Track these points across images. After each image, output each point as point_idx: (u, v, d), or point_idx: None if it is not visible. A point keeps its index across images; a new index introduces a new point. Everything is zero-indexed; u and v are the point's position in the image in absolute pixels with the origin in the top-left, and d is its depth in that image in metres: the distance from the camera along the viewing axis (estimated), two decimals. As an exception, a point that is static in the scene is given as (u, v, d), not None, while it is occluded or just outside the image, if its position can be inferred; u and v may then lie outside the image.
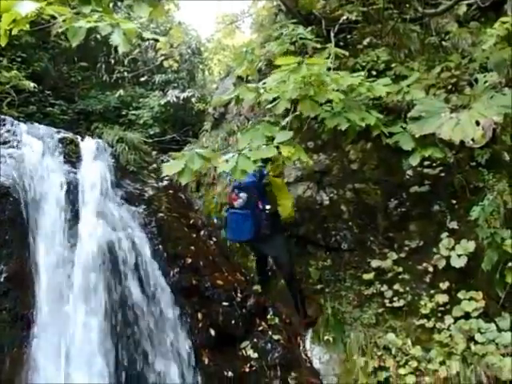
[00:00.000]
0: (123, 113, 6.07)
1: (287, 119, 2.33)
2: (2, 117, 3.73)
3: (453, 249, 3.02)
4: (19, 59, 5.26)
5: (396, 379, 2.82)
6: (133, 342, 2.84)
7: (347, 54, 3.22)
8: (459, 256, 2.97)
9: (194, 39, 6.93)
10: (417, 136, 2.35)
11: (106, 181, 3.63)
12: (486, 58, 2.84)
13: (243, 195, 3.10)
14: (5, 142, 3.41)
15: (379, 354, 2.94)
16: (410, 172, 3.34)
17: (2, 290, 2.58)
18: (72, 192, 3.31)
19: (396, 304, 3.13)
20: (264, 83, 2.46)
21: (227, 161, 2.09)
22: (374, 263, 3.31)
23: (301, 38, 3.52)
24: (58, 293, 2.78)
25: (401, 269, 3.23)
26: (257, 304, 3.38)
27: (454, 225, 3.14)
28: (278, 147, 2.10)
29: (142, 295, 3.04)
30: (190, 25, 7.28)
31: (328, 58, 2.81)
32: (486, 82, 2.58)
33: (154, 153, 5.10)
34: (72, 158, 3.73)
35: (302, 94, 2.24)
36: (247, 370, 3.02)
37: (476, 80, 2.83)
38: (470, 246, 2.96)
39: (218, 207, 4.13)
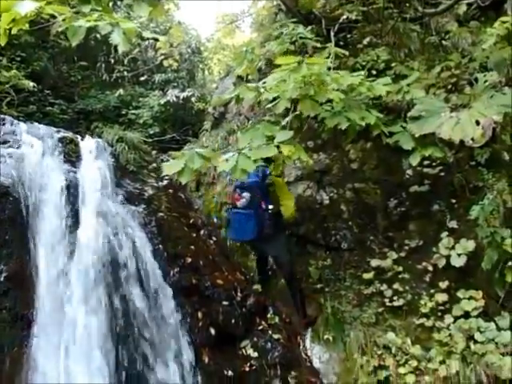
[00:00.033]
0: (123, 112, 6.07)
1: (287, 119, 2.33)
2: (2, 116, 3.73)
3: (452, 248, 3.02)
4: (19, 58, 5.26)
5: (396, 378, 2.83)
6: (133, 342, 2.84)
7: (347, 53, 3.21)
8: (459, 255, 2.97)
9: (193, 38, 6.93)
10: (417, 135, 2.35)
11: (105, 180, 3.63)
12: (486, 58, 2.84)
13: (246, 195, 3.11)
14: (4, 142, 3.41)
15: (379, 353, 2.95)
16: (409, 171, 3.34)
17: (1, 289, 2.58)
18: (72, 191, 3.30)
19: (396, 303, 3.13)
20: (264, 83, 2.46)
21: (227, 160, 2.09)
22: (374, 262, 3.31)
23: (301, 38, 3.52)
24: (57, 292, 2.78)
25: (401, 268, 3.23)
26: (257, 303, 3.38)
27: (453, 224, 3.14)
28: (278, 146, 2.10)
29: (142, 295, 3.04)
30: (189, 24, 7.31)
31: (328, 57, 2.81)
32: (485, 81, 2.58)
33: (154, 152, 5.10)
34: (72, 157, 3.72)
35: (302, 93, 2.24)
36: (247, 369, 3.02)
37: (476, 79, 2.83)
38: (470, 245, 2.96)
39: (217, 207, 4.13)
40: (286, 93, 2.28)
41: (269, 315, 3.36)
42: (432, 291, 3.06)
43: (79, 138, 4.03)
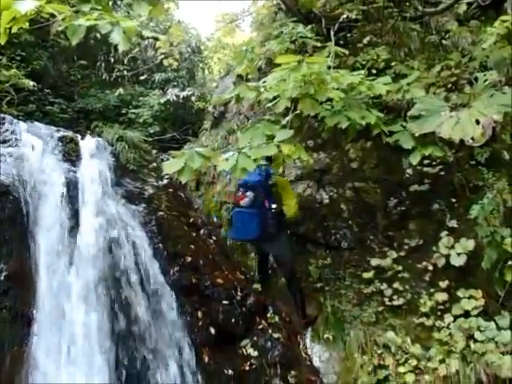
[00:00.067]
0: (123, 111, 6.07)
1: (288, 118, 2.33)
2: (2, 115, 3.73)
3: (452, 247, 3.02)
4: (18, 58, 5.26)
5: (395, 377, 2.83)
6: (133, 341, 2.84)
7: (347, 52, 3.21)
8: (459, 254, 2.97)
9: (193, 38, 6.93)
10: (417, 135, 2.35)
11: (105, 179, 3.63)
12: (486, 57, 2.84)
13: (250, 194, 3.11)
14: (4, 141, 3.41)
15: (379, 352, 2.95)
16: (409, 171, 3.34)
17: (2, 288, 2.58)
18: (72, 190, 3.30)
19: (396, 302, 3.14)
20: (264, 82, 2.46)
21: (227, 159, 2.09)
22: (374, 262, 3.31)
23: (301, 37, 3.52)
24: (57, 291, 2.78)
25: (400, 267, 3.23)
26: (257, 302, 3.39)
27: (453, 223, 3.14)
28: (278, 146, 2.10)
29: (142, 293, 3.04)
30: (189, 23, 7.31)
31: (328, 56, 2.81)
32: (485, 80, 2.58)
33: (154, 151, 5.10)
34: (72, 156, 3.73)
35: (303, 92, 2.24)
36: (247, 368, 3.02)
37: (476, 79, 2.83)
38: (470, 244, 2.96)
39: (217, 206, 4.13)
40: (286, 92, 2.28)
41: (269, 314, 3.36)
42: (432, 290, 3.06)
43: (79, 137, 4.03)
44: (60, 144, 3.73)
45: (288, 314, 3.42)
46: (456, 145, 2.87)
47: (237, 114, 4.67)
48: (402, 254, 3.28)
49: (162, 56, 5.69)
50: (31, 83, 4.88)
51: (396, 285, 3.19)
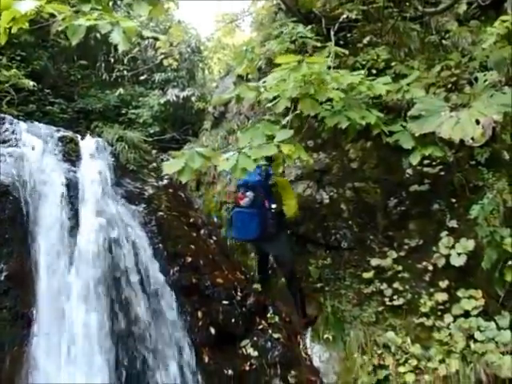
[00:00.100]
0: (123, 111, 6.06)
1: (288, 118, 2.33)
2: (2, 115, 3.73)
3: (452, 247, 3.02)
4: (19, 58, 5.26)
5: (395, 377, 2.83)
6: (133, 341, 2.85)
7: (347, 52, 3.21)
8: (459, 254, 2.97)
9: (193, 38, 6.92)
10: (417, 135, 2.35)
11: (105, 179, 3.63)
12: (486, 57, 2.84)
13: (250, 194, 3.12)
14: (4, 141, 3.41)
15: (379, 352, 2.95)
16: (409, 171, 3.34)
17: (2, 288, 2.58)
18: (72, 191, 3.30)
19: (396, 302, 3.14)
20: (264, 82, 2.46)
21: (227, 159, 2.09)
22: (374, 262, 3.31)
23: (301, 37, 3.52)
24: (58, 291, 2.78)
25: (400, 267, 3.23)
26: (257, 303, 3.39)
27: (453, 223, 3.14)
28: (278, 146, 2.10)
29: (142, 294, 3.04)
30: (189, 23, 7.28)
31: (328, 56, 2.81)
32: (485, 80, 2.58)
33: (154, 152, 5.10)
34: (72, 156, 3.73)
35: (303, 92, 2.24)
36: (247, 368, 3.02)
37: (476, 79, 2.83)
38: (470, 244, 2.96)
39: (217, 206, 4.13)
40: (286, 92, 2.28)
41: (269, 314, 3.36)
42: (432, 290, 3.06)
43: (79, 137, 4.03)
44: (60, 144, 3.73)
45: (288, 314, 3.42)
46: (456, 145, 2.87)
47: (237, 114, 4.67)
48: (402, 254, 3.28)
49: (162, 56, 5.70)
50: (31, 83, 4.88)
51: (396, 285, 3.19)
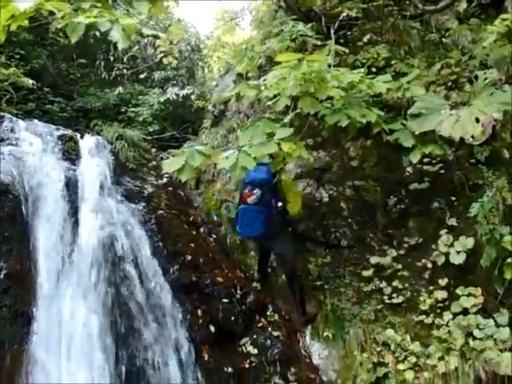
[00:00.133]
0: (122, 110, 6.05)
1: (288, 117, 2.33)
2: (1, 114, 3.73)
3: (452, 245, 3.03)
4: (18, 56, 5.24)
5: (395, 375, 2.84)
6: (132, 339, 2.85)
7: (347, 50, 3.21)
8: (458, 252, 2.98)
9: (193, 36, 6.91)
10: (417, 133, 2.36)
11: (105, 178, 3.63)
12: (486, 55, 2.84)
13: (257, 192, 3.12)
14: (4, 139, 3.41)
15: (378, 349, 2.96)
16: (409, 169, 3.34)
17: (2, 287, 2.59)
18: (71, 189, 3.30)
19: (395, 300, 3.14)
20: (264, 80, 2.46)
21: (227, 158, 2.09)
22: (374, 260, 3.32)
23: (301, 35, 3.51)
24: (57, 289, 2.78)
25: (400, 265, 3.24)
26: (256, 301, 3.40)
27: (453, 221, 3.15)
28: (278, 144, 2.10)
29: (142, 292, 3.05)
30: (189, 22, 7.27)
31: (328, 54, 2.81)
32: (485, 78, 2.58)
33: (154, 150, 5.09)
34: (71, 155, 3.73)
35: (303, 90, 2.24)
36: (247, 365, 3.03)
37: (476, 77, 2.83)
38: (469, 242, 2.97)
39: (217, 204, 4.13)
40: (286, 90, 2.28)
41: (268, 312, 3.37)
42: (431, 288, 3.07)
43: (78, 135, 4.03)
44: (59, 142, 3.73)
45: (288, 312, 3.43)
46: (456, 143, 2.87)
47: (237, 113, 4.66)
48: (402, 252, 3.29)
49: (162, 54, 5.69)
50: (30, 82, 4.87)
51: (395, 283, 3.20)
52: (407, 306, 3.11)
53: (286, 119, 2.38)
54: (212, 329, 3.10)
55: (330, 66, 2.48)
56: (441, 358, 2.77)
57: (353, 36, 3.89)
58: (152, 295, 3.08)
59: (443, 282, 3.02)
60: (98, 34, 5.45)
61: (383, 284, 3.23)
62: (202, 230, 3.98)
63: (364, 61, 3.53)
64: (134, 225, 3.42)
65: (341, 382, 3.00)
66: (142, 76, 6.52)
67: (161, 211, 3.78)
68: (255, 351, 3.09)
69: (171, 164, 2.05)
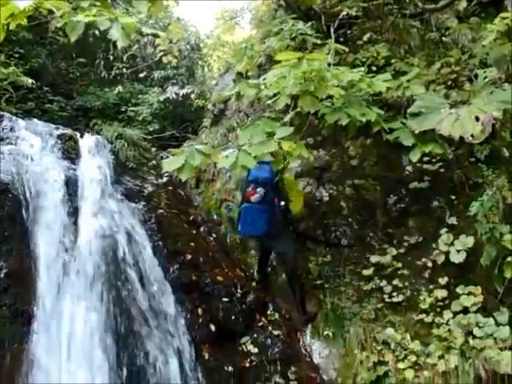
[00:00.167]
0: (122, 109, 6.04)
1: (289, 116, 2.33)
2: (1, 113, 3.72)
3: (452, 244, 3.03)
4: (17, 55, 5.23)
5: (395, 373, 2.84)
6: (133, 338, 2.85)
7: (347, 49, 3.21)
8: (458, 251, 2.98)
9: (193, 35, 6.89)
10: (416, 132, 2.36)
11: (105, 177, 3.63)
12: (486, 54, 2.84)
13: (260, 190, 3.12)
14: (3, 139, 3.41)
15: (378, 348, 2.96)
16: (409, 168, 3.34)
17: (2, 286, 2.59)
18: (71, 188, 3.30)
19: (395, 299, 3.15)
20: (264, 79, 2.46)
21: (227, 157, 2.09)
22: (374, 259, 3.32)
23: (301, 34, 3.51)
24: (57, 289, 2.78)
25: (400, 264, 3.24)
26: (257, 300, 3.40)
27: (453, 220, 3.15)
28: (278, 143, 2.09)
29: (142, 291, 3.05)
30: (188, 21, 7.25)
31: (328, 53, 2.80)
32: (485, 77, 2.58)
33: (154, 149, 5.09)
34: (71, 154, 3.72)
35: (303, 89, 2.24)
36: (247, 364, 3.03)
37: (476, 76, 2.83)
38: (469, 241, 2.97)
39: (217, 203, 4.13)
40: (286, 89, 2.28)
41: (269, 311, 3.37)
42: (431, 287, 3.07)
43: (78, 134, 4.02)
44: (59, 142, 3.73)
45: (288, 311, 3.43)
46: (456, 142, 2.87)
47: (236, 112, 4.65)
48: (402, 250, 3.29)
49: (162, 53, 5.68)
50: (30, 81, 4.86)
51: (395, 282, 3.20)
52: (407, 304, 3.11)
53: (287, 118, 2.37)
54: (212, 328, 3.10)
55: (329, 64, 2.48)
56: (441, 357, 2.77)
57: (353, 35, 3.88)
58: (153, 295, 3.08)
59: (443, 280, 3.03)
60: (97, 32, 5.44)
61: (383, 283, 3.23)
62: (202, 229, 3.98)
63: (364, 59, 3.53)
64: (134, 224, 3.42)
65: (341, 381, 3.00)
66: (141, 75, 6.51)
67: (161, 210, 3.78)
68: (255, 350, 3.09)
69: (171, 163, 2.05)
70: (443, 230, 3.12)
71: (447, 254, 3.03)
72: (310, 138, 3.69)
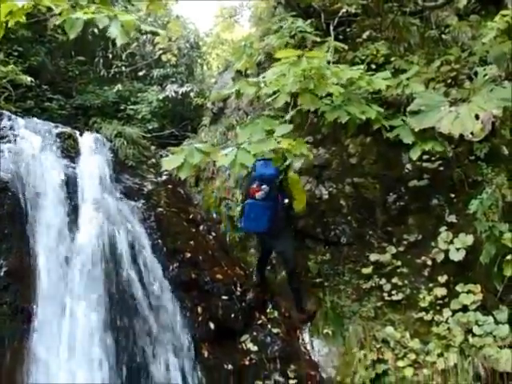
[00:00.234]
0: (121, 107, 6.03)
1: (289, 114, 2.32)
2: (0, 112, 3.71)
3: (451, 242, 3.03)
4: (16, 53, 5.22)
5: (394, 371, 2.85)
6: (133, 336, 2.86)
7: (346, 47, 3.20)
8: (457, 249, 2.98)
9: (192, 33, 6.87)
10: (416, 130, 2.35)
11: (104, 175, 3.63)
12: (486, 52, 2.83)
13: (265, 187, 3.12)
14: (3, 137, 3.40)
15: (378, 346, 2.97)
16: (408, 166, 3.34)
17: (2, 284, 2.59)
18: (71, 186, 3.30)
19: (395, 297, 3.15)
20: (264, 77, 2.45)
21: (226, 155, 2.09)
22: (373, 257, 3.32)
23: (300, 32, 3.50)
24: (57, 286, 2.79)
25: (399, 262, 3.24)
26: (256, 298, 3.40)
27: (452, 218, 3.15)
28: (278, 141, 2.09)
29: (142, 289, 3.05)
30: (188, 18, 7.22)
31: (327, 51, 2.80)
32: (485, 75, 2.57)
33: (153, 148, 5.08)
34: (70, 152, 3.72)
35: (302, 87, 2.23)
36: (247, 362, 3.04)
37: (476, 73, 2.82)
38: (469, 239, 2.97)
39: (217, 202, 4.13)
40: (285, 87, 2.27)
41: (268, 310, 3.37)
42: (431, 285, 3.08)
43: (78, 133, 4.02)
44: (58, 140, 3.72)
45: (287, 310, 3.43)
46: (455, 140, 2.86)
47: (236, 110, 4.65)
48: (401, 249, 3.29)
49: (161, 51, 5.66)
50: (29, 79, 4.85)
51: (395, 280, 3.20)
52: (407, 303, 3.12)
53: (287, 116, 2.37)
54: (212, 326, 3.10)
55: (329, 62, 2.47)
56: (440, 355, 2.78)
57: (352, 32, 3.87)
58: (152, 293, 3.08)
59: (443, 278, 3.03)
60: (96, 31, 5.42)
61: (383, 281, 3.23)
62: (201, 227, 3.98)
63: (363, 57, 3.52)
64: (133, 222, 3.43)
65: (340, 379, 3.01)
66: (140, 73, 6.49)
67: (160, 209, 3.78)
68: (255, 348, 3.10)
69: (171, 161, 2.04)
70: (443, 228, 3.12)
71: (447, 252, 3.03)
72: (309, 136, 3.68)
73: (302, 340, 3.28)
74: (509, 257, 2.68)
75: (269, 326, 3.24)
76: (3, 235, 2.75)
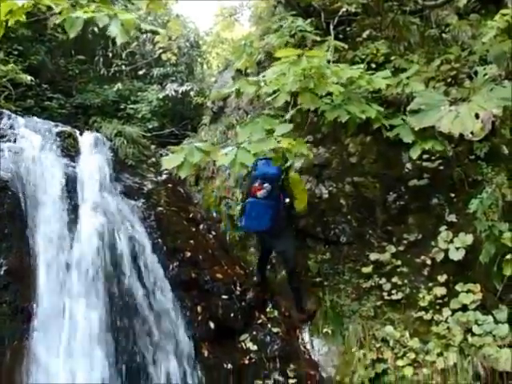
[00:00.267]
0: (121, 107, 6.03)
1: (289, 114, 2.32)
2: (0, 111, 3.71)
3: (451, 242, 3.03)
4: (16, 52, 5.21)
5: (394, 371, 2.85)
6: (132, 335, 2.86)
7: (346, 46, 3.20)
8: (457, 249, 2.98)
9: (192, 32, 6.86)
10: (416, 129, 2.35)
11: (104, 174, 3.63)
12: (486, 51, 2.83)
13: (267, 186, 3.12)
14: (2, 136, 3.40)
15: (377, 346, 2.97)
16: (408, 165, 3.34)
17: (2, 283, 2.59)
18: (71, 185, 3.30)
19: (394, 297, 3.15)
20: (264, 76, 2.45)
21: (226, 154, 2.09)
22: (373, 256, 3.33)
23: (300, 31, 3.50)
24: (57, 286, 2.79)
25: (399, 262, 3.25)
26: (256, 297, 3.40)
27: (452, 218, 3.15)
28: (278, 141, 2.09)
29: (142, 288, 3.05)
30: (188, 17, 7.22)
31: (327, 50, 2.79)
32: (485, 74, 2.57)
33: (153, 147, 5.08)
34: (70, 151, 3.72)
35: (302, 86, 2.23)
36: (246, 362, 3.04)
37: (476, 73, 2.82)
38: (468, 238, 2.97)
39: (217, 201, 4.13)
40: (285, 86, 2.27)
41: (268, 309, 3.38)
42: (430, 285, 3.08)
43: (78, 132, 4.02)
44: (58, 139, 3.72)
45: (287, 309, 3.44)
46: (455, 139, 2.86)
47: (236, 109, 4.65)
48: (401, 248, 3.29)
49: (161, 50, 5.65)
50: (29, 78, 4.84)
51: (395, 279, 3.20)
52: (406, 302, 3.12)
53: (287, 116, 2.37)
54: (211, 325, 3.11)
55: (329, 61, 2.47)
56: (440, 354, 2.78)
57: (352, 32, 3.87)
58: (151, 292, 3.08)
59: (442, 278, 3.03)
60: (96, 29, 5.41)
61: (382, 280, 3.23)
62: (201, 226, 3.98)
63: (363, 56, 3.52)
64: (133, 221, 3.43)
65: (340, 378, 3.01)
66: (140, 72, 6.49)
67: (160, 208, 3.78)
68: (255, 347, 3.10)
69: (170, 161, 2.04)
70: (442, 228, 3.12)
71: (446, 251, 3.03)
72: (309, 135, 3.68)
73: (302, 339, 3.28)
74: (508, 256, 2.68)
75: (269, 326, 3.24)
76: (3, 234, 2.75)
